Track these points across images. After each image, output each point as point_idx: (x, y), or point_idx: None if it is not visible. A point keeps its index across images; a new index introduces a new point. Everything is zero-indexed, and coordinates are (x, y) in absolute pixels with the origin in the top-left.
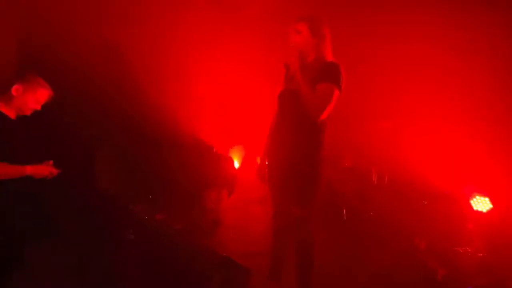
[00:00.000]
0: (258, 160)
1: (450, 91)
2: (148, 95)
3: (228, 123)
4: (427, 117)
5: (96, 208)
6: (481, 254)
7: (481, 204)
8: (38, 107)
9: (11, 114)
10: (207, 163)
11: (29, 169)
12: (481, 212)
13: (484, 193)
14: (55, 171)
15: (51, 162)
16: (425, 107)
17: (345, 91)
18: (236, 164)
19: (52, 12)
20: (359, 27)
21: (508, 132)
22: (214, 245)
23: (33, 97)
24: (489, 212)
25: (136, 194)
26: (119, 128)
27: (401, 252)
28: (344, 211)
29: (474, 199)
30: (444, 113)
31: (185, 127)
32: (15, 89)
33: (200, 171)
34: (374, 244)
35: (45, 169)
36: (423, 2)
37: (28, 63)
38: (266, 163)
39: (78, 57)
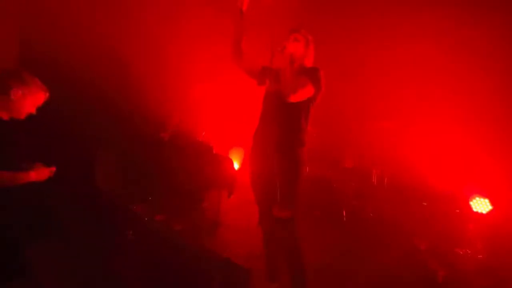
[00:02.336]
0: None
1: (449, 93)
2: (148, 96)
3: (228, 125)
4: (427, 118)
5: (95, 209)
6: (481, 256)
7: (481, 205)
8: (33, 111)
9: (4, 116)
10: (207, 163)
11: (33, 175)
12: (481, 214)
13: (484, 195)
14: (53, 169)
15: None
16: (425, 109)
17: (345, 92)
18: (236, 165)
19: (53, 13)
20: (360, 28)
21: (508, 133)
22: (214, 246)
23: (32, 101)
24: (489, 213)
25: (136, 195)
26: (119, 129)
27: (401, 253)
28: (344, 211)
29: (474, 201)
30: (444, 115)
31: (185, 128)
32: (14, 93)
33: (200, 172)
34: (374, 245)
35: (46, 171)
36: (424, 3)
37: (28, 63)
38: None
39: (79, 58)
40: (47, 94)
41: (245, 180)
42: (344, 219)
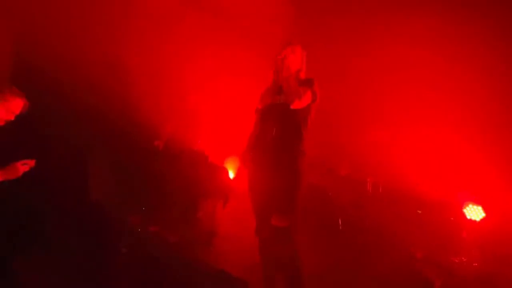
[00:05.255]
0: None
1: (444, 102)
2: (142, 104)
3: (223, 134)
4: (420, 127)
5: (88, 220)
6: (476, 264)
7: (474, 212)
8: (12, 117)
9: None
10: (202, 173)
11: None
12: (474, 221)
13: (477, 202)
14: (30, 162)
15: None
16: (418, 117)
17: (340, 101)
18: (231, 175)
19: (49, 19)
20: (358, 37)
21: (500, 141)
22: (210, 256)
23: (7, 108)
24: (482, 220)
25: (129, 205)
26: (112, 138)
27: (398, 261)
28: (340, 220)
29: (467, 208)
30: (436, 123)
31: (180, 138)
32: None
33: (195, 181)
34: (370, 253)
35: (16, 168)
36: (420, 10)
37: (21, 71)
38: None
39: (73, 66)
40: (25, 101)
41: (241, 189)
42: (340, 227)
